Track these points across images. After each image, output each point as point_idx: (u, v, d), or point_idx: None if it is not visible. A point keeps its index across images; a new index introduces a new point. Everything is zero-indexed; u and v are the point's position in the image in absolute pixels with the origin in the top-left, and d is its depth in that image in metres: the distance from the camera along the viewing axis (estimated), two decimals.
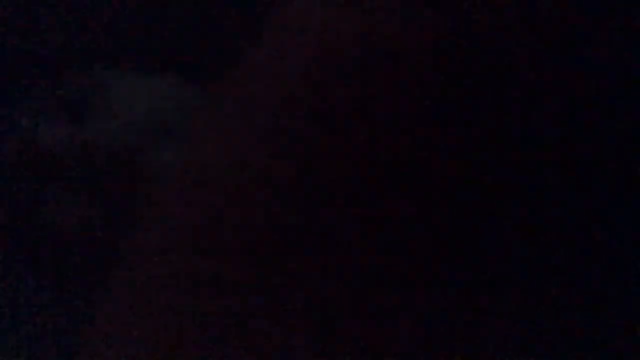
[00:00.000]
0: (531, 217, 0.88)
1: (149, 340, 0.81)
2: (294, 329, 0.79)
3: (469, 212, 0.86)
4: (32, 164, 1.16)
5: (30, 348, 1.06)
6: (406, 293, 0.83)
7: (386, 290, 0.81)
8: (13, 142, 1.16)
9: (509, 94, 0.87)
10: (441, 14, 0.86)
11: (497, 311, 0.85)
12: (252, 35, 0.99)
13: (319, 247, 0.81)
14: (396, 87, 0.84)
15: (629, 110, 0.91)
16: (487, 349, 0.81)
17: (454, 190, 0.83)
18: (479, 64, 0.86)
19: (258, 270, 0.81)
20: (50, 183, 1.15)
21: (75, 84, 1.18)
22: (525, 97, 0.88)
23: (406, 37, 0.86)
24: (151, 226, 0.88)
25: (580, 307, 0.84)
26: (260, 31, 0.93)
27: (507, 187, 0.87)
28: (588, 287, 0.85)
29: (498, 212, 0.86)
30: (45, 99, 1.17)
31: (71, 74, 1.19)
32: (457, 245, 0.86)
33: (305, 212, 0.81)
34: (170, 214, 0.87)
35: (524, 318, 0.85)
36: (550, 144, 0.89)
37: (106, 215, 1.13)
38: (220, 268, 0.81)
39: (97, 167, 1.15)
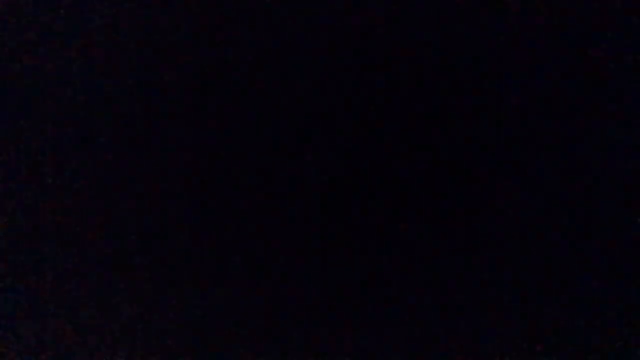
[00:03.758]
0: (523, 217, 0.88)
1: None
2: None
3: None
4: None
5: None
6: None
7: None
8: None
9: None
10: None
11: (497, 311, 0.85)
12: None
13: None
14: None
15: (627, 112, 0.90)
16: (487, 349, 0.82)
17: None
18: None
19: None
20: None
21: None
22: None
23: None
24: None
25: (580, 307, 0.84)
26: None
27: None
28: (588, 287, 0.85)
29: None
30: None
31: None
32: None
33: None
34: None
35: (524, 318, 0.85)
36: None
37: None
38: None
39: None
